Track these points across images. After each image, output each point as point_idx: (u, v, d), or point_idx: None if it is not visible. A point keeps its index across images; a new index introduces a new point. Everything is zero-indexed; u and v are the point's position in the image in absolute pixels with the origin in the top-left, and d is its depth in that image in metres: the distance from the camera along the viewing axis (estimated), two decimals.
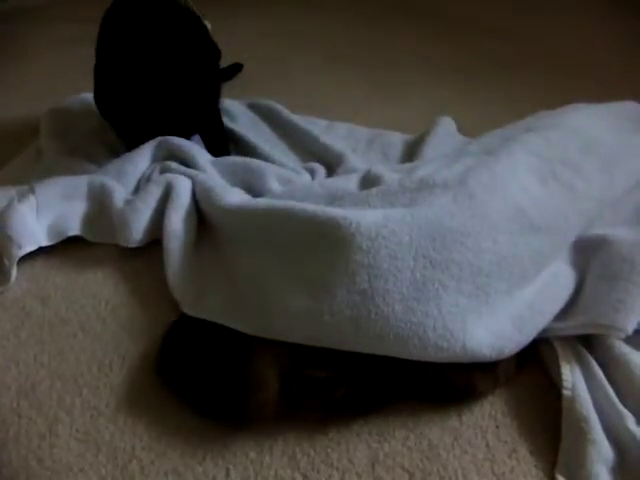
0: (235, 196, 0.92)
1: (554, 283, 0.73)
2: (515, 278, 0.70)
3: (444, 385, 0.67)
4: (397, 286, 0.66)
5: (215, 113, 1.10)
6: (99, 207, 0.95)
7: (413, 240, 0.68)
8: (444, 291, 0.66)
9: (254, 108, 1.26)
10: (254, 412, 0.64)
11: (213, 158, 1.05)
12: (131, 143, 1.06)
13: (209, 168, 1.01)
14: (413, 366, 0.65)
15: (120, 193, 0.95)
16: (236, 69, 1.46)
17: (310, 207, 0.75)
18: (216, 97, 1.10)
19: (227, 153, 1.07)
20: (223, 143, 1.11)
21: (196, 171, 0.99)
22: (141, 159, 1.03)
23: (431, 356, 0.64)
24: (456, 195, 0.73)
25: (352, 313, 0.65)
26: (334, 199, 0.84)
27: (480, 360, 0.65)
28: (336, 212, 0.73)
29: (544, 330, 0.69)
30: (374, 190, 0.79)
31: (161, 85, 0.99)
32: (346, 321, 0.65)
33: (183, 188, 0.94)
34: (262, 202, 0.86)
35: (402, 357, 0.65)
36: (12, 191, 0.96)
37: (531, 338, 0.68)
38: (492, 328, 0.66)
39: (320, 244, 0.72)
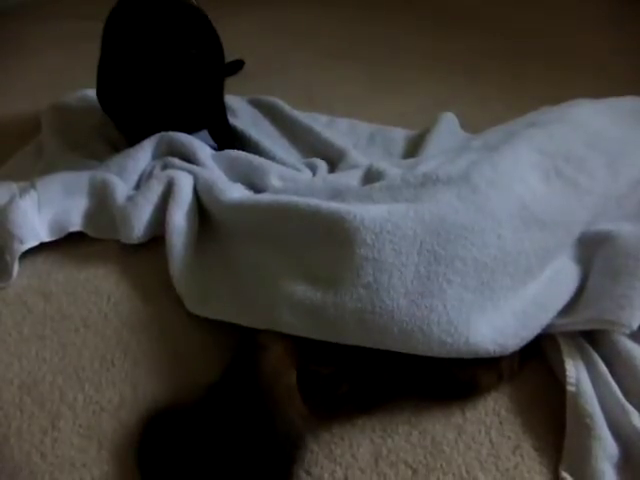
0: (237, 191, 0.92)
1: (558, 279, 0.73)
2: (520, 274, 0.69)
3: (447, 381, 0.66)
4: (401, 280, 0.65)
5: (220, 108, 1.10)
6: (100, 203, 0.95)
7: (417, 235, 0.68)
8: (448, 286, 0.66)
9: (255, 104, 1.25)
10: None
11: (214, 153, 1.05)
12: (133, 138, 1.06)
13: (210, 164, 1.00)
14: (416, 362, 0.65)
15: (121, 189, 0.95)
16: (238, 66, 1.46)
17: (314, 201, 0.75)
18: (220, 92, 1.09)
19: (233, 146, 1.07)
20: (229, 137, 1.11)
21: (197, 167, 0.99)
22: (142, 155, 1.03)
23: (435, 351, 0.64)
24: (460, 190, 0.73)
25: (356, 307, 0.65)
26: (337, 195, 0.83)
27: (484, 355, 0.65)
28: (340, 206, 0.73)
29: (548, 326, 0.69)
30: (377, 185, 0.79)
31: (166, 81, 0.99)
32: (350, 315, 0.65)
33: (185, 184, 0.93)
34: (265, 197, 0.86)
35: (406, 352, 0.64)
36: (13, 187, 0.96)
37: (535, 334, 0.68)
38: (496, 324, 0.66)
39: (324, 238, 0.72)
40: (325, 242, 0.71)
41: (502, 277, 0.68)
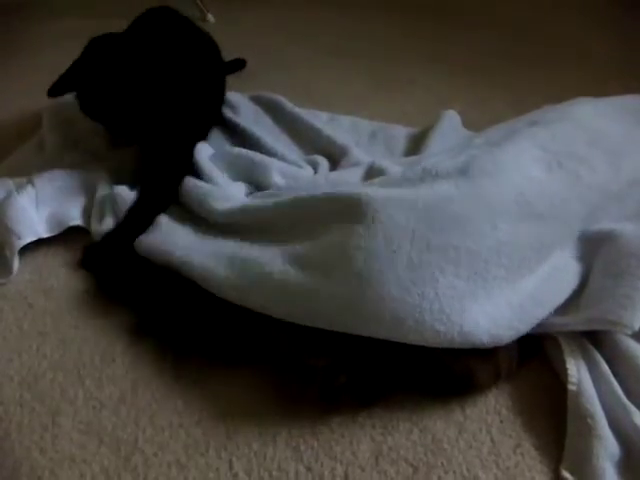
0: (237, 190, 0.93)
1: (558, 276, 0.73)
2: (514, 265, 0.69)
3: (443, 373, 0.66)
4: (393, 268, 0.65)
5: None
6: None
7: (410, 223, 0.68)
8: (441, 275, 0.65)
9: (257, 101, 1.25)
10: None
11: (214, 153, 1.03)
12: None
13: (209, 165, 0.98)
14: (412, 353, 0.65)
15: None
16: (239, 65, 1.45)
17: (308, 193, 0.76)
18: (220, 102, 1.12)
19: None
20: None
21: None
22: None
23: (428, 340, 0.64)
24: (457, 181, 0.73)
25: (348, 294, 0.65)
26: None
27: (478, 346, 0.64)
28: (332, 193, 0.74)
29: (549, 326, 0.69)
30: (377, 181, 0.79)
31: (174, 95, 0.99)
32: (342, 302, 0.65)
33: None
34: (260, 199, 0.88)
35: (398, 340, 0.64)
36: (10, 183, 0.96)
37: (530, 328, 0.68)
38: (490, 314, 0.66)
39: (318, 227, 0.73)
40: (318, 230, 0.72)
41: (496, 268, 0.68)
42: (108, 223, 0.89)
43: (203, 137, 1.06)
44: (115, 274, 0.82)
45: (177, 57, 1.01)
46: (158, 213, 0.89)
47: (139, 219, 0.87)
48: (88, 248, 0.87)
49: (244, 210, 0.85)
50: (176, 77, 0.99)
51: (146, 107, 0.97)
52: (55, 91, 0.97)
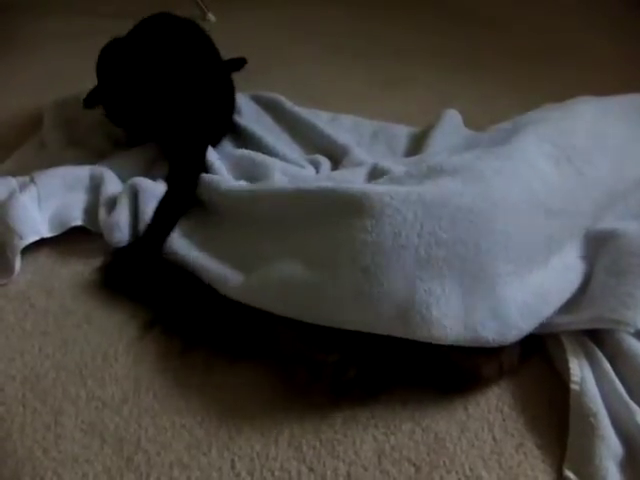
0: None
1: (561, 274, 0.72)
2: (522, 261, 0.69)
3: (449, 368, 0.66)
4: (400, 263, 0.65)
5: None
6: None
7: (418, 217, 0.67)
8: (448, 270, 0.65)
9: (258, 100, 1.25)
10: None
11: (220, 155, 1.04)
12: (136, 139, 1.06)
13: (218, 165, 0.99)
14: (419, 347, 0.65)
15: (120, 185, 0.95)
16: (239, 64, 1.44)
17: (313, 185, 0.77)
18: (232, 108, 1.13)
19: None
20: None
21: None
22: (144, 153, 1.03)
23: (434, 337, 0.63)
24: (465, 178, 0.72)
25: (354, 290, 0.65)
26: None
27: (483, 345, 0.64)
28: (340, 188, 0.74)
29: (552, 325, 0.69)
30: (381, 180, 0.79)
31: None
32: (348, 298, 0.65)
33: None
34: (264, 185, 0.89)
35: (405, 336, 0.64)
36: (13, 182, 0.95)
37: (535, 325, 0.68)
38: (496, 312, 0.65)
39: (324, 222, 0.72)
40: (325, 226, 0.72)
41: (504, 263, 0.67)
42: (122, 214, 0.88)
43: (215, 141, 1.07)
44: (141, 273, 0.83)
45: (190, 61, 1.02)
46: (183, 214, 0.91)
47: (167, 221, 0.89)
48: (115, 257, 0.87)
49: (250, 195, 0.86)
50: (189, 80, 1.00)
51: (162, 110, 0.99)
52: (88, 104, 1.07)
